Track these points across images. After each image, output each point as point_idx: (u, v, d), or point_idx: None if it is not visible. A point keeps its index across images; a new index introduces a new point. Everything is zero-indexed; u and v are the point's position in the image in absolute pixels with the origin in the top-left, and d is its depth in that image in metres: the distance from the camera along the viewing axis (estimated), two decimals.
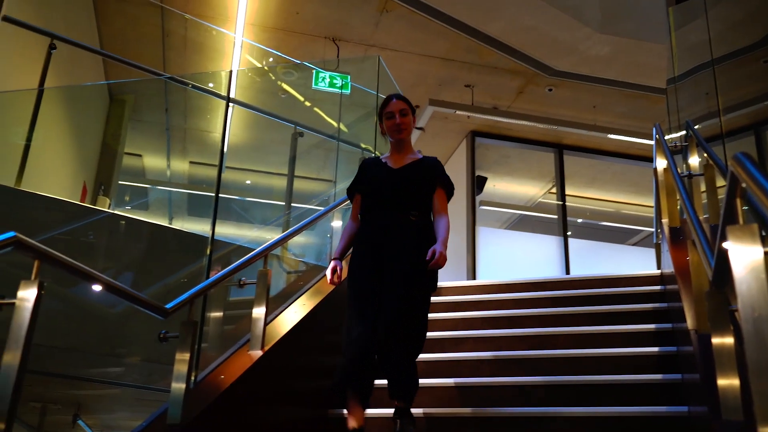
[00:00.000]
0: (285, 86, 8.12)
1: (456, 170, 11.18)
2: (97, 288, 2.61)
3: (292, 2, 7.86)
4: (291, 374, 3.68)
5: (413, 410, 3.32)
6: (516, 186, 12.26)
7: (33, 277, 2.28)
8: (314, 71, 7.54)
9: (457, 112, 9.71)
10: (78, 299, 4.11)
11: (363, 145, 7.34)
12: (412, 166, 3.35)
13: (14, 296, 2.25)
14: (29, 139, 4.87)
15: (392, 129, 3.35)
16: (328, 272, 3.25)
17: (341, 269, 3.26)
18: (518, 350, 4.05)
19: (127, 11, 7.88)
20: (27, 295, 2.23)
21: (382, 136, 3.46)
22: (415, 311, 3.07)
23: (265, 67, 8.52)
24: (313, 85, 7.57)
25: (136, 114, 8.94)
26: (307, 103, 8.05)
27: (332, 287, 4.23)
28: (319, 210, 4.69)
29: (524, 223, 12.49)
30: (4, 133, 5.07)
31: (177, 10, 7.68)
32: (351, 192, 3.52)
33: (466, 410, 3.42)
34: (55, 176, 6.73)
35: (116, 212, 6.68)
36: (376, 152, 6.88)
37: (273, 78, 8.04)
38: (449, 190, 3.38)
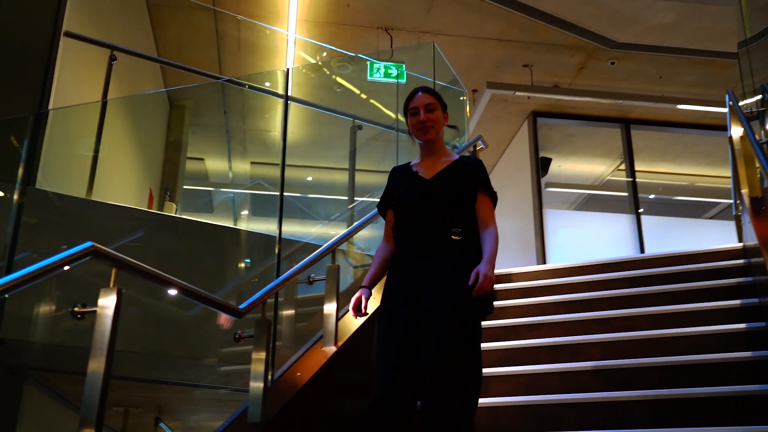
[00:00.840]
0: (340, 80, 8.17)
1: (519, 153, 11.06)
2: (172, 292, 2.70)
3: None
4: (365, 368, 3.72)
5: (489, 399, 3.32)
6: (582, 165, 12.04)
7: (111, 284, 2.37)
8: (369, 63, 7.57)
9: (517, 93, 9.59)
10: (154, 304, 4.25)
11: None
12: (447, 171, 2.85)
13: (94, 304, 2.36)
14: (96, 150, 5.05)
15: (416, 128, 2.88)
16: (351, 304, 2.76)
17: (367, 299, 2.75)
18: (595, 334, 3.99)
19: (181, 17, 8.07)
20: (107, 303, 2.32)
21: (408, 137, 3.00)
22: (461, 368, 2.46)
23: (320, 63, 8.60)
24: (369, 77, 7.59)
25: (196, 118, 9.15)
26: (364, 96, 8.09)
27: None
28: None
29: (593, 202, 12.25)
30: (72, 145, 5.27)
31: (229, 12, 7.82)
32: (381, 208, 3.02)
33: (544, 397, 3.39)
34: (123, 185, 6.96)
35: (183, 216, 6.85)
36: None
37: (328, 73, 8.10)
38: (493, 196, 2.87)
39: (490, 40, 8.79)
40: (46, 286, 3.94)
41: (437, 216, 2.74)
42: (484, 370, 3.63)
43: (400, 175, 2.97)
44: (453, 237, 2.70)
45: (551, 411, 3.33)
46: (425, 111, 2.85)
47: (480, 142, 5.97)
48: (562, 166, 11.75)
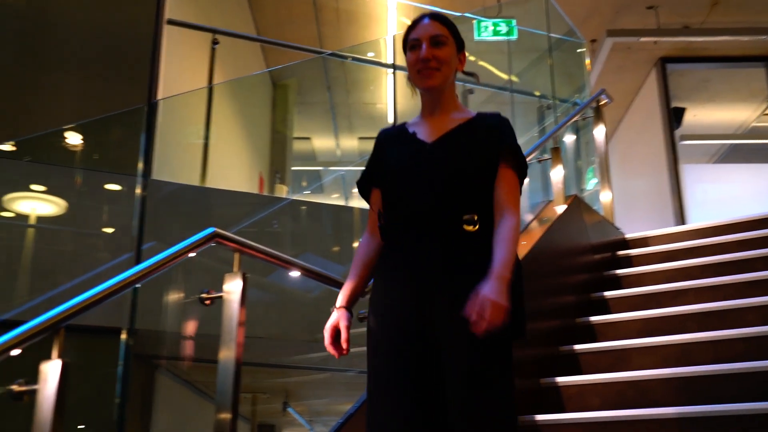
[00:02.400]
0: None
1: (647, 105, 10.64)
2: (294, 274, 2.80)
3: None
4: None
5: (634, 373, 3.25)
6: (721, 113, 11.43)
7: (235, 269, 2.50)
8: (475, 21, 7.47)
9: (642, 39, 9.20)
10: (275, 287, 4.42)
11: (537, 93, 7.21)
12: (459, 133, 2.08)
13: (219, 290, 2.49)
14: (206, 137, 5.29)
15: (415, 68, 2.09)
16: (326, 334, 2.03)
17: (348, 326, 2.04)
18: (750, 297, 3.81)
19: None
20: (233, 288, 2.45)
21: (408, 84, 2.20)
22: (496, 411, 1.86)
23: None
24: (476, 37, 7.50)
25: (299, 97, 9.37)
26: (472, 57, 8.00)
27: (527, 249, 4.20)
28: None
29: (736, 153, 11.63)
30: (183, 134, 5.53)
31: None
32: (363, 186, 2.23)
33: (696, 369, 3.29)
34: (233, 169, 7.25)
35: (295, 198, 7.06)
36: (555, 99, 6.73)
37: None
38: (521, 168, 2.08)
39: None
40: (173, 276, 4.19)
41: (443, 196, 1.98)
42: (627, 342, 3.56)
43: (390, 140, 2.21)
44: (466, 228, 1.96)
45: (704, 383, 3.22)
46: (430, 45, 2.06)
47: (604, 96, 5.79)
48: (697, 116, 11.21)
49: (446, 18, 2.16)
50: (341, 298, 2.09)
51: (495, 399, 1.85)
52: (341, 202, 8.96)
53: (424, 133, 2.10)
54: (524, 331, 2.06)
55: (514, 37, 7.27)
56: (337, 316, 2.04)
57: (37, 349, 1.94)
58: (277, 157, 8.66)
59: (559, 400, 3.35)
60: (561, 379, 3.37)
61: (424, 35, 2.08)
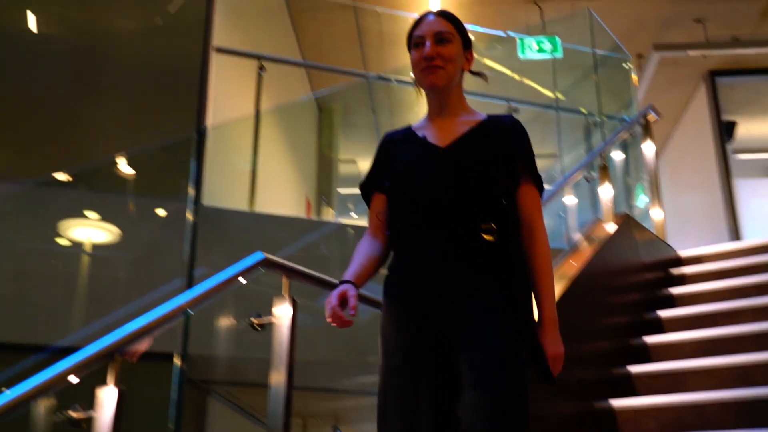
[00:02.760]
0: (489, 62, 8.12)
1: (697, 119, 10.46)
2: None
3: None
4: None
5: (692, 395, 3.18)
6: None
7: (284, 293, 2.52)
8: (519, 40, 7.46)
9: (689, 52, 9.06)
10: (323, 311, 4.43)
11: (584, 110, 7.15)
12: (473, 136, 1.99)
13: (269, 314, 2.51)
14: (254, 162, 5.36)
15: (418, 66, 2.00)
16: (332, 299, 1.81)
17: (355, 295, 1.83)
18: None
19: (321, 18, 8.37)
20: (282, 312, 2.47)
21: (414, 86, 2.10)
22: (511, 414, 1.73)
23: None
24: (520, 55, 7.48)
25: (345, 119, 9.46)
26: (517, 77, 7.99)
27: (576, 270, 4.15)
28: (547, 188, 4.63)
29: None
30: (231, 160, 5.62)
31: (369, 6, 8.01)
32: (366, 190, 2.13)
33: (756, 391, 3.20)
34: (281, 194, 7.33)
35: (341, 221, 7.10)
36: (601, 116, 6.67)
37: (476, 55, 8.07)
38: (539, 182, 2.02)
39: None
40: (223, 300, 4.25)
41: (461, 203, 1.89)
42: (683, 363, 3.49)
43: (397, 143, 2.09)
44: (484, 236, 1.86)
45: (764, 406, 3.13)
46: (435, 42, 1.97)
47: (651, 111, 5.71)
48: (750, 129, 10.97)
49: (452, 15, 2.06)
50: (348, 274, 1.92)
51: (511, 403, 1.73)
52: None
53: (435, 137, 2.01)
54: (554, 381, 1.94)
55: (559, 54, 7.24)
56: (344, 287, 1.83)
57: (93, 376, 1.98)
58: (324, 180, 8.74)
59: (614, 424, 3.30)
60: (616, 402, 3.31)
61: (428, 32, 1.99)
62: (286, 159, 7.72)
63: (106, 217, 4.61)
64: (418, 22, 2.04)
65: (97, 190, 4.63)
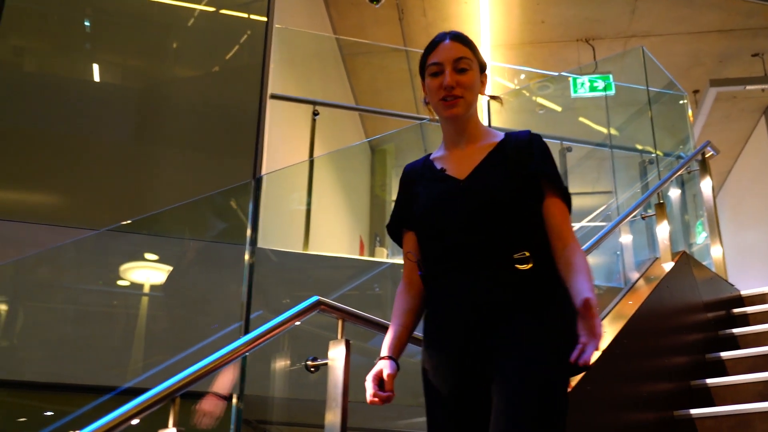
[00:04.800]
0: (542, 101, 8.13)
1: (758, 154, 10.26)
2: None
3: (535, 11, 7.91)
4: (603, 410, 3.62)
5: None
6: None
7: (339, 336, 2.55)
8: (571, 78, 7.46)
9: (747, 87, 8.93)
10: (378, 352, 4.45)
11: (640, 147, 7.08)
12: (490, 162, 1.90)
13: (324, 356, 2.55)
14: (308, 204, 5.45)
15: (437, 95, 1.91)
16: (369, 384, 1.82)
17: (394, 374, 1.80)
18: None
19: (374, 62, 8.52)
20: (337, 354, 2.50)
21: (425, 107, 2.03)
22: None
23: (517, 86, 8.62)
24: (573, 94, 7.48)
25: (397, 160, 9.53)
26: (570, 114, 7.97)
27: (634, 309, 4.10)
28: (603, 226, 4.60)
29: None
30: (286, 201, 5.72)
31: (420, 50, 8.11)
32: (393, 231, 2.07)
33: None
34: (334, 234, 7.41)
35: (395, 261, 7.13)
36: (657, 152, 6.59)
37: (527, 95, 8.10)
38: (566, 195, 1.89)
39: (708, 33, 8.31)
40: (279, 341, 4.30)
41: (487, 238, 1.80)
42: (748, 406, 3.39)
43: (417, 176, 2.02)
44: (518, 267, 1.76)
45: None
46: (454, 70, 1.89)
47: (709, 148, 5.64)
48: None
49: (467, 38, 1.98)
50: (384, 348, 1.88)
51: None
52: None
53: (454, 169, 1.92)
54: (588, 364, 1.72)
55: (612, 92, 7.21)
56: (380, 366, 1.82)
57: (155, 416, 2.02)
58: (377, 220, 8.79)
59: None
60: None
61: (446, 59, 1.90)
62: (339, 199, 7.82)
63: (165, 261, 4.73)
64: (433, 47, 1.95)
65: (157, 234, 4.76)
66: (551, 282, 1.78)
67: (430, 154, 2.04)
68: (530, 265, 1.76)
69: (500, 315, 1.73)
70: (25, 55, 5.62)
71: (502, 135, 1.97)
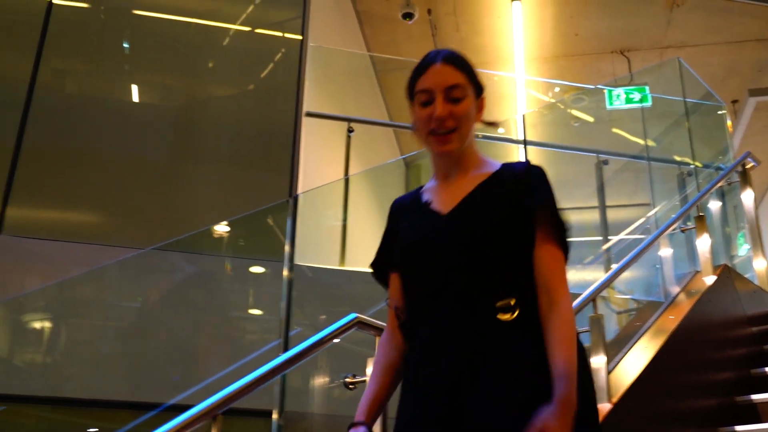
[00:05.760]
0: (577, 113, 8.08)
1: None
2: None
3: (569, 25, 7.88)
4: (643, 423, 3.57)
5: None
6: None
7: (376, 353, 2.56)
8: (607, 91, 7.41)
9: None
10: None
11: (678, 158, 7.00)
12: (477, 197, 1.64)
13: (361, 372, 2.56)
14: (345, 220, 5.48)
15: (426, 127, 1.67)
16: None
17: None
18: None
19: (407, 78, 8.54)
20: None
21: (414, 134, 1.76)
22: None
23: (552, 99, 8.59)
24: (608, 106, 7.42)
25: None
26: (605, 127, 7.90)
27: (675, 324, 4.03)
28: (642, 238, 4.54)
29: None
30: (323, 218, 5.76)
31: None
32: (377, 269, 1.83)
33: None
34: (370, 250, 7.42)
35: None
36: (696, 163, 6.51)
37: (562, 107, 8.06)
38: (562, 236, 1.60)
39: (746, 43, 8.20)
40: (316, 357, 4.31)
41: (467, 282, 1.55)
42: None
43: (403, 210, 1.79)
44: (501, 317, 1.51)
45: None
46: (446, 99, 1.64)
47: (750, 159, 5.55)
48: None
49: (463, 59, 1.71)
50: (359, 411, 1.64)
51: None
52: None
53: (439, 202, 1.68)
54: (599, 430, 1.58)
55: (648, 103, 7.14)
56: None
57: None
58: None
59: None
60: None
61: (437, 85, 1.64)
62: (374, 215, 7.83)
63: (205, 278, 4.79)
64: (422, 70, 1.67)
65: (197, 252, 4.82)
66: (540, 335, 1.51)
67: (422, 186, 1.79)
68: (514, 315, 1.51)
69: (477, 375, 1.47)
70: (66, 77, 5.76)
71: (498, 165, 1.71)
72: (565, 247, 1.59)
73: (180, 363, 4.47)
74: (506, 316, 1.51)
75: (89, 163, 5.28)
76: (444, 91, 1.63)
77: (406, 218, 1.74)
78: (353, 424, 1.61)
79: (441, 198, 1.68)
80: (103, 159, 5.32)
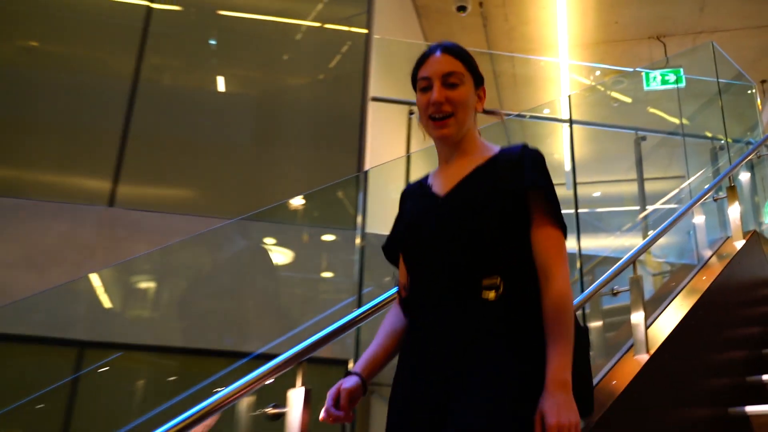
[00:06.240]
0: (616, 95, 7.89)
1: None
2: None
3: (609, 13, 7.66)
4: (680, 375, 3.52)
5: None
6: None
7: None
8: (644, 73, 7.22)
9: None
10: None
11: (710, 134, 6.81)
12: (475, 178, 1.56)
13: None
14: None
15: (426, 113, 1.61)
16: (327, 397, 1.55)
17: (348, 393, 1.53)
18: None
19: None
20: None
21: (418, 124, 1.69)
22: None
23: (593, 82, 8.40)
24: (645, 87, 7.24)
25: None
26: (642, 107, 7.70)
27: (707, 284, 3.95)
28: (676, 208, 4.45)
29: None
30: (388, 191, 5.80)
31: (503, 53, 8.03)
32: (388, 251, 1.75)
33: None
34: None
35: None
36: (728, 138, 6.30)
37: (603, 89, 7.88)
38: (558, 217, 1.49)
39: None
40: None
41: (456, 259, 1.46)
42: None
43: (409, 195, 1.72)
44: (485, 296, 1.42)
45: None
46: (442, 85, 1.57)
47: None
48: None
49: (461, 49, 1.63)
50: (357, 364, 1.60)
51: None
52: None
53: (438, 185, 1.61)
54: (592, 408, 1.52)
55: (682, 84, 6.93)
56: (341, 383, 1.55)
57: (285, 378, 2.10)
58: None
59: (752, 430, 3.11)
60: (750, 409, 3.11)
61: (434, 73, 1.58)
62: None
63: (288, 245, 4.89)
64: (423, 60, 1.63)
65: (280, 222, 4.92)
66: (526, 317, 1.42)
67: (430, 172, 1.74)
68: (499, 292, 1.42)
69: (457, 357, 1.39)
70: (163, 71, 5.90)
71: (497, 149, 1.62)
72: (560, 225, 1.49)
73: (267, 317, 4.59)
74: (491, 294, 1.41)
75: (185, 146, 5.43)
76: (441, 78, 1.58)
77: (411, 202, 1.68)
78: (349, 372, 1.57)
79: (440, 181, 1.62)
80: (197, 142, 5.46)
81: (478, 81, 1.64)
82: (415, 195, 1.68)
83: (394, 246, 1.71)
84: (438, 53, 1.61)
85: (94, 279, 4.52)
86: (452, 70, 1.58)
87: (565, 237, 1.50)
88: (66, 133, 5.24)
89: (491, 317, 1.41)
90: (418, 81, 1.62)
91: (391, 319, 1.66)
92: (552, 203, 1.48)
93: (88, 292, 4.51)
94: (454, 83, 1.57)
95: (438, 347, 1.43)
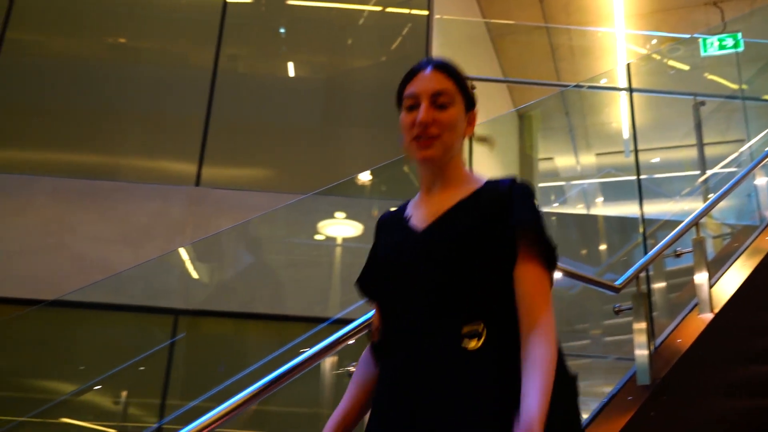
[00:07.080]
0: (673, 63, 7.57)
1: None
2: (556, 275, 2.80)
3: None
4: (743, 333, 3.40)
5: None
6: None
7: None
8: (701, 39, 6.88)
9: None
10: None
11: (765, 97, 6.51)
12: (457, 213, 1.34)
13: None
14: (469, 164, 5.44)
15: (410, 134, 1.38)
16: None
17: None
18: None
19: (519, 40, 8.28)
20: None
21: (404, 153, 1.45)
22: None
23: (649, 52, 8.08)
24: (702, 53, 6.90)
25: (542, 123, 9.28)
26: (703, 73, 7.36)
27: None
28: (735, 171, 4.25)
29: None
30: None
31: (560, 26, 7.79)
32: (363, 286, 1.50)
33: None
34: None
35: (544, 210, 6.98)
36: None
37: (659, 58, 7.57)
38: (548, 256, 1.28)
39: None
40: None
41: (434, 303, 1.26)
42: None
43: (387, 226, 1.50)
44: (466, 344, 1.21)
45: None
46: (430, 105, 1.35)
47: None
48: None
49: (454, 68, 1.42)
50: (327, 425, 1.37)
51: None
52: (584, 211, 8.69)
53: (417, 217, 1.38)
54: None
55: (741, 48, 6.57)
56: None
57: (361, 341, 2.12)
58: (526, 175, 8.62)
59: None
60: None
61: (423, 91, 1.36)
62: (492, 160, 7.75)
63: (355, 217, 4.93)
64: (411, 76, 1.41)
65: (347, 196, 4.97)
66: (509, 369, 1.19)
67: (409, 200, 1.49)
68: (480, 341, 1.21)
69: (440, 414, 1.18)
70: (239, 60, 6.00)
71: (482, 181, 1.40)
72: (550, 267, 1.28)
73: (343, 285, 4.66)
74: (472, 343, 1.21)
75: (260, 128, 5.54)
76: (430, 97, 1.36)
77: (387, 234, 1.46)
78: None
79: (420, 213, 1.39)
80: (271, 124, 5.57)
81: (470, 104, 1.43)
82: (392, 226, 1.45)
83: (369, 280, 1.47)
84: (428, 70, 1.39)
85: (183, 253, 4.68)
86: (442, 89, 1.37)
87: (552, 274, 1.29)
88: (155, 121, 5.42)
89: (471, 370, 1.19)
90: (404, 98, 1.40)
91: (362, 370, 1.42)
92: (541, 244, 1.27)
93: (178, 265, 4.68)
94: (443, 104, 1.36)
95: (413, 402, 1.21)
